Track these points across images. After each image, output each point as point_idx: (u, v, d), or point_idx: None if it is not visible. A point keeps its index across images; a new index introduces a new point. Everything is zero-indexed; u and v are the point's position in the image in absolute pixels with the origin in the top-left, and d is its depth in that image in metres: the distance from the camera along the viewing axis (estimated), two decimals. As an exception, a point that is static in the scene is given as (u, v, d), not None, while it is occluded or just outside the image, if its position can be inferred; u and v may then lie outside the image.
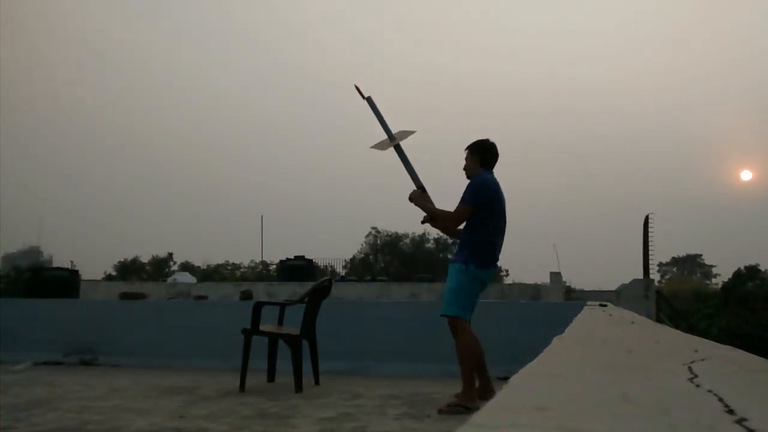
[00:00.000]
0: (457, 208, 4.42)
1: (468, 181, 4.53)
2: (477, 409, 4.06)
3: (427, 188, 4.75)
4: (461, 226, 4.52)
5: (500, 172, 4.59)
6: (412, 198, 4.69)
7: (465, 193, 4.42)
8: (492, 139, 4.63)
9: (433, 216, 4.61)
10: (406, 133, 5.12)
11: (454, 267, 4.39)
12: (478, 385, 4.55)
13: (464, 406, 4.08)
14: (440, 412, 4.12)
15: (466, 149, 4.61)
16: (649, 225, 19.01)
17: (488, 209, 4.39)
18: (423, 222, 4.81)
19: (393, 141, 5.02)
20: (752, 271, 24.72)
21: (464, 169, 4.59)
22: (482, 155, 4.54)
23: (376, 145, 5.18)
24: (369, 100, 5.13)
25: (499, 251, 4.51)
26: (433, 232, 33.60)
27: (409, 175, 4.90)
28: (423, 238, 35.35)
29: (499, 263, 4.62)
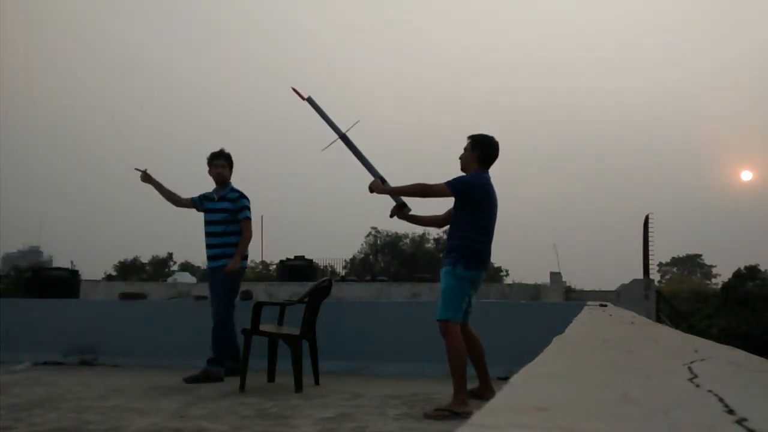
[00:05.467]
0: (437, 183, 4.34)
1: (459, 170, 4.51)
2: (466, 413, 3.99)
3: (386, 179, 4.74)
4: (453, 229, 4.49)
5: (499, 171, 4.56)
6: (373, 188, 4.63)
7: (453, 179, 4.35)
8: (496, 136, 4.59)
9: (400, 192, 4.59)
10: (351, 127, 5.12)
11: (443, 270, 4.39)
12: (477, 385, 4.53)
13: (451, 411, 4.00)
14: (426, 416, 4.02)
15: (468, 138, 4.52)
16: (649, 225, 19.00)
17: (472, 207, 4.34)
18: (391, 216, 4.77)
19: (341, 136, 5.02)
20: (752, 271, 24.68)
21: (460, 158, 4.52)
22: (482, 151, 4.45)
23: (327, 146, 5.19)
24: (309, 100, 5.13)
25: (488, 252, 4.46)
26: (433, 233, 33.59)
27: (365, 167, 4.88)
28: (423, 238, 35.35)
29: (489, 262, 4.59)
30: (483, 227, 4.39)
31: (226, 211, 5.92)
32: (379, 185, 4.63)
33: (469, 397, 4.21)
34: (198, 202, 6.07)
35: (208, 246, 5.95)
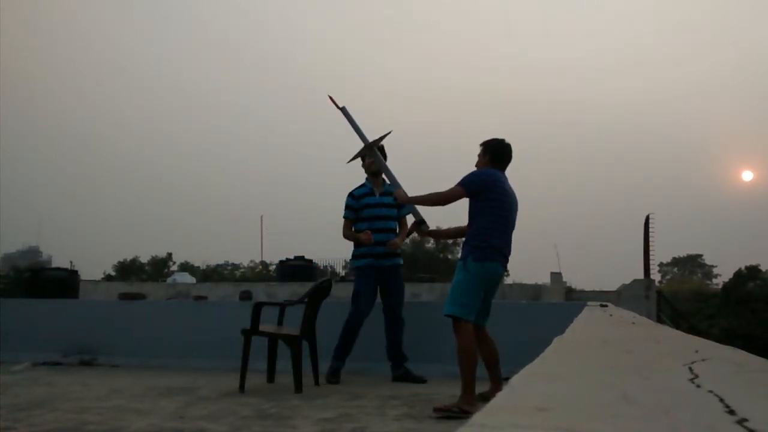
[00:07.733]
0: (451, 187, 4.36)
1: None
2: (473, 413, 3.94)
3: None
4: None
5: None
6: (398, 196, 4.70)
7: (462, 177, 4.38)
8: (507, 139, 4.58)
9: (421, 202, 4.61)
10: (381, 138, 5.10)
11: (458, 265, 4.35)
12: (489, 388, 4.43)
13: (460, 408, 3.97)
14: (435, 410, 4.02)
15: (480, 145, 4.55)
16: (650, 225, 19.04)
17: (483, 199, 4.31)
18: (409, 233, 4.79)
19: (370, 148, 5.01)
20: (753, 271, 24.69)
21: (476, 166, 4.54)
22: (493, 154, 4.47)
23: (352, 158, 5.17)
24: (343, 110, 5.14)
25: (505, 246, 4.37)
26: (433, 233, 33.51)
27: (388, 179, 4.91)
28: (423, 238, 35.32)
29: (507, 258, 4.42)
30: (498, 220, 4.31)
31: (393, 207, 5.70)
32: (404, 195, 4.68)
33: (481, 399, 4.07)
34: (357, 204, 5.77)
35: (383, 243, 5.70)
